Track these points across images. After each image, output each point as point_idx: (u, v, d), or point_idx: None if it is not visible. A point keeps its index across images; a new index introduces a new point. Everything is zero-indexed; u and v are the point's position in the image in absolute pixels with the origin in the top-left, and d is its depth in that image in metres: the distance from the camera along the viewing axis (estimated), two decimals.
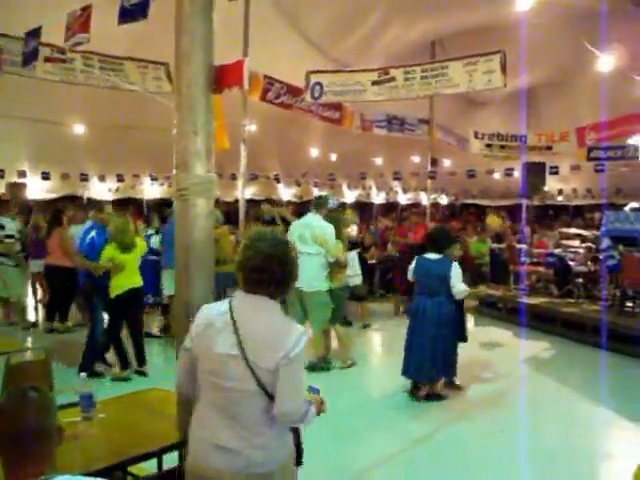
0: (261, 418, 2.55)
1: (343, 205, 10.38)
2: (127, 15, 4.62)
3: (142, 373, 7.50)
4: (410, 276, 6.95)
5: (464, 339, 7.29)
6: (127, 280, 7.33)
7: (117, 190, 20.16)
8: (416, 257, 6.92)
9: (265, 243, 2.65)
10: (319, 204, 8.22)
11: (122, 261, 7.22)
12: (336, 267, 7.85)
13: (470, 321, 11.33)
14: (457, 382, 7.21)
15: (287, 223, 10.11)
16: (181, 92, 3.17)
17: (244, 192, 12.51)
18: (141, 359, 7.59)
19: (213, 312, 2.67)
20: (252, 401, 2.54)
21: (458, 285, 6.55)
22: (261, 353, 2.52)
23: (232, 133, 11.72)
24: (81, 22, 5.94)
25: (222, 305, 2.69)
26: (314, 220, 7.91)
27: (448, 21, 15.94)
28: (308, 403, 2.68)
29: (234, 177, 15.41)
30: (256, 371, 2.51)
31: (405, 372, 6.84)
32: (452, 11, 15.11)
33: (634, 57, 14.00)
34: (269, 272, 2.61)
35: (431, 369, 6.65)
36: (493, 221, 17.34)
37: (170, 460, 3.40)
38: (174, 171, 3.17)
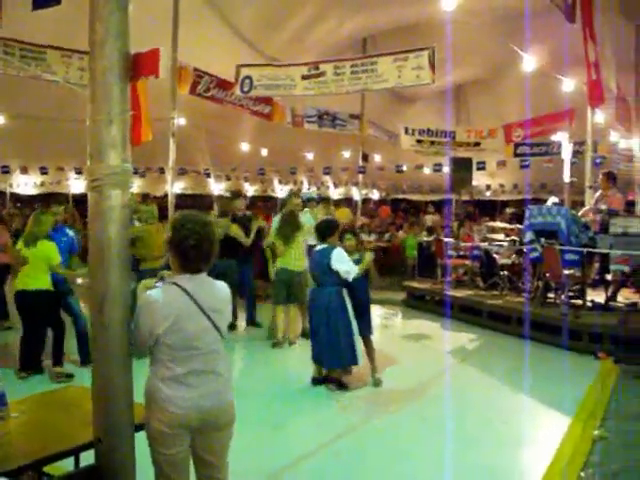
0: (224, 363, 3.26)
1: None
2: (41, 1, 4.47)
3: (62, 375, 6.89)
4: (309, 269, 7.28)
5: (370, 331, 7.29)
6: (19, 281, 6.94)
7: (42, 185, 19.63)
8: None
9: (195, 224, 3.10)
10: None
11: (23, 255, 6.84)
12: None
13: (398, 314, 11.49)
14: (350, 370, 7.19)
15: None
16: (95, 80, 3.09)
17: (173, 187, 12.36)
18: (56, 358, 7.03)
19: (175, 300, 3.05)
20: (219, 352, 3.21)
21: (342, 267, 6.65)
22: (222, 318, 3.22)
23: (161, 127, 11.53)
24: None
25: (173, 290, 3.07)
26: None
27: (379, 18, 16.07)
28: None
29: (163, 171, 15.17)
30: (221, 332, 3.20)
31: (312, 358, 7.00)
32: (383, 8, 15.24)
33: (555, 57, 14.40)
34: (204, 249, 3.11)
35: (325, 357, 6.82)
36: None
37: (87, 458, 3.33)
38: (88, 161, 3.09)
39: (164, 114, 11.91)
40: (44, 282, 6.91)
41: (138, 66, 3.13)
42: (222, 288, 3.30)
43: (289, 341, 8.89)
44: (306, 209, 10.12)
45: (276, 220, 9.40)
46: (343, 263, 6.67)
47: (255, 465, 4.83)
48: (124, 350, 3.15)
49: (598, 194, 10.79)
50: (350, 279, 6.72)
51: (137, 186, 20.56)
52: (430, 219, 18.72)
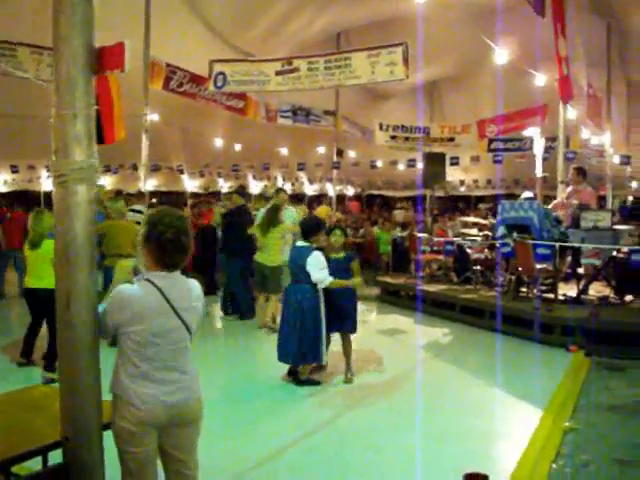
0: (189, 359, 3.23)
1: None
2: None
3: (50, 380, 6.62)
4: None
5: (354, 330, 7.25)
6: (27, 280, 7.24)
7: (13, 182, 19.41)
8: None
9: (173, 218, 3.11)
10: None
11: (28, 257, 7.18)
12: None
13: (372, 309, 11.50)
14: (325, 366, 7.28)
15: None
16: (60, 74, 3.04)
17: (146, 183, 12.27)
18: (49, 362, 6.92)
19: (146, 298, 3.03)
20: (187, 349, 3.21)
21: (314, 273, 6.62)
22: (193, 316, 3.21)
23: (133, 123, 11.42)
24: None
25: (146, 287, 3.06)
26: None
27: (353, 13, 16.04)
28: None
29: (136, 168, 15.04)
30: (191, 330, 3.20)
31: (278, 356, 6.97)
32: (357, 3, 15.23)
33: (528, 52, 14.51)
34: (181, 244, 3.10)
35: (295, 354, 6.78)
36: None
37: (55, 457, 3.29)
38: (53, 157, 3.05)
39: (136, 110, 11.81)
40: (49, 282, 6.69)
41: (103, 60, 3.09)
42: (195, 286, 3.30)
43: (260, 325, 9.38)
44: (289, 206, 10.45)
45: (261, 212, 10.06)
46: (316, 270, 6.62)
47: (228, 461, 4.82)
48: (91, 348, 3.12)
49: (570, 189, 10.92)
50: (320, 287, 6.69)
51: (110, 183, 20.43)
52: (400, 214, 18.81)
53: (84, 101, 3.03)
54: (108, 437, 3.21)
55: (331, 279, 6.64)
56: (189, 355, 3.24)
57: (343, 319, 7.04)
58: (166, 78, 12.57)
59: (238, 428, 5.64)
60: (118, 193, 16.34)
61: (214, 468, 4.23)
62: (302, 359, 6.84)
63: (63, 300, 3.05)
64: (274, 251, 9.39)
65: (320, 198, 24.98)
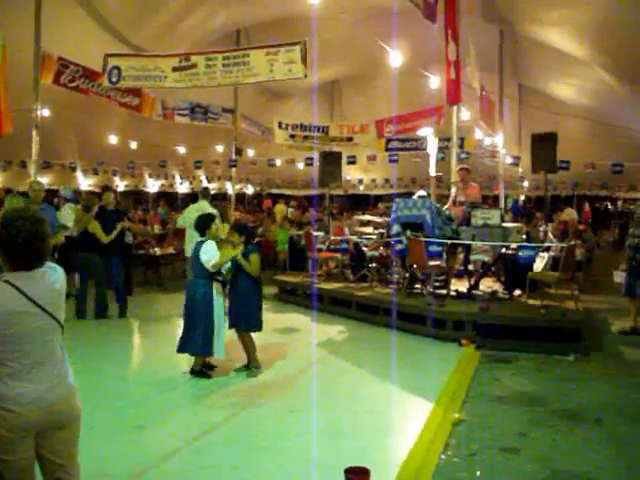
0: (62, 352, 3.13)
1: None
2: None
3: None
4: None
5: (259, 328, 7.37)
6: None
7: None
8: None
9: (26, 221, 2.94)
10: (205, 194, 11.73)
11: None
12: None
13: (269, 308, 11.47)
14: (212, 363, 7.33)
15: None
16: None
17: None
18: None
19: (5, 299, 2.88)
20: (59, 343, 3.11)
21: (202, 256, 6.87)
22: (60, 305, 3.10)
23: (22, 118, 11.00)
24: None
25: (4, 289, 2.89)
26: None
27: (253, 10, 16.03)
28: None
29: (25, 165, 14.48)
30: (60, 322, 3.09)
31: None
32: (256, 0, 15.22)
33: (426, 55, 14.89)
34: (34, 248, 2.95)
35: (187, 344, 7.02)
36: (278, 209, 17.76)
37: None
38: None
39: (26, 105, 11.36)
40: None
41: None
42: (58, 278, 3.13)
43: None
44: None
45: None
46: (205, 253, 6.86)
47: (114, 466, 4.66)
48: None
49: (456, 188, 11.31)
50: (210, 269, 6.85)
51: None
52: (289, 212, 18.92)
53: None
54: None
55: (216, 259, 6.83)
56: (59, 347, 3.11)
57: (240, 316, 7.21)
58: (57, 72, 12.15)
59: (126, 430, 5.48)
60: (8, 192, 15.68)
61: (98, 473, 4.11)
62: (196, 350, 7.00)
63: None
64: None
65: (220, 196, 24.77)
